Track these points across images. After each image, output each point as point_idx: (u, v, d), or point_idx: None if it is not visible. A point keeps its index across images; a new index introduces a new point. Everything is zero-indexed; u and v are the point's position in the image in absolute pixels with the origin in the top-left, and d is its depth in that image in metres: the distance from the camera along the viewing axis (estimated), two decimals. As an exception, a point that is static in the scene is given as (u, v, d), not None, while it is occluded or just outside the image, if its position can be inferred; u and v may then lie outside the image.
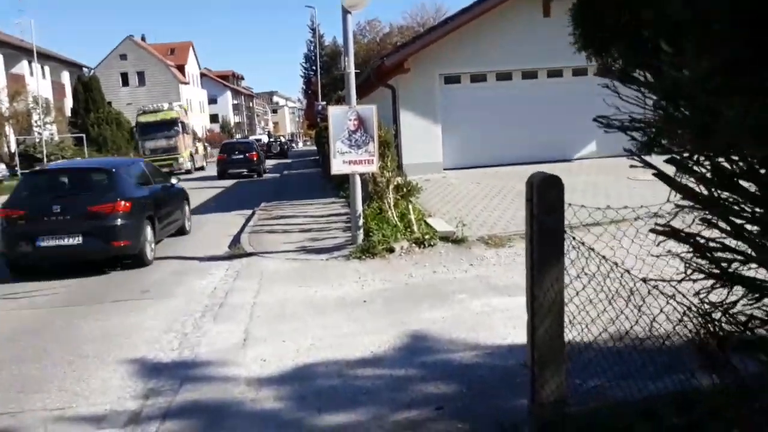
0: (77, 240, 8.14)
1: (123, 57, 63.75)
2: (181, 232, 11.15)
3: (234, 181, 25.72)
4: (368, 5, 8.82)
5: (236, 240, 10.61)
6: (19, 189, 9.07)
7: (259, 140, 44.64)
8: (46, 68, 48.50)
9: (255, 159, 28.04)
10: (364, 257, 8.23)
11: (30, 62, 44.47)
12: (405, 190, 9.20)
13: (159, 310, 6.69)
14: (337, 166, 8.96)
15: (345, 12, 8.80)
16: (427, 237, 8.56)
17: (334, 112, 8.99)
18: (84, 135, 39.29)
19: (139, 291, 7.65)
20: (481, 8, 14.09)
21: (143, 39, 69.28)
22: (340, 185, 15.56)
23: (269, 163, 36.52)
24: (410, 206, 9.20)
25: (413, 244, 8.53)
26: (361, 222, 9.07)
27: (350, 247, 8.85)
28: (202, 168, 36.61)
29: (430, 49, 14.52)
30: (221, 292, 7.22)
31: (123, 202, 8.42)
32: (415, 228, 8.95)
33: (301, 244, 9.63)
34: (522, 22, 15.13)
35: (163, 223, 9.91)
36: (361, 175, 9.35)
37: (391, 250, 8.32)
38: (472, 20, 14.24)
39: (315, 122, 31.75)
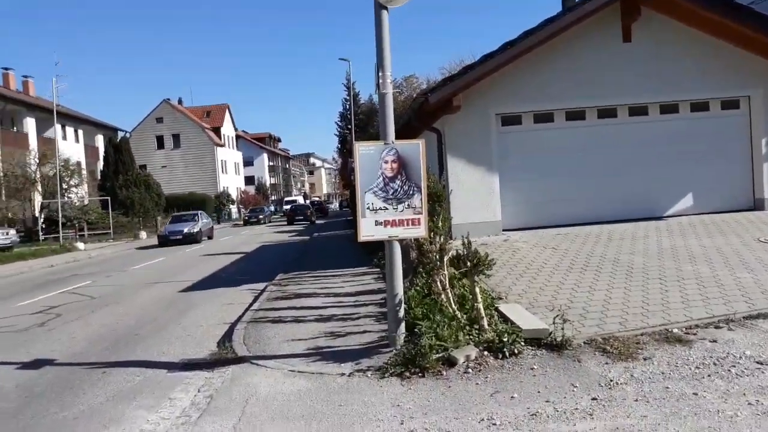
0: (303, 218, 47.94)
1: (159, 120, 63.66)
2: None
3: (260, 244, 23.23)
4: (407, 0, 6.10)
5: (230, 333, 7.68)
6: (287, 209, 56.16)
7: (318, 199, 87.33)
8: (80, 132, 47.93)
9: (323, 208, 64.75)
10: (407, 374, 5.16)
11: (64, 126, 43.85)
12: (469, 263, 6.11)
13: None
14: (368, 229, 6.03)
15: (380, 7, 6.06)
16: (506, 339, 5.46)
17: (363, 150, 6.09)
18: (109, 198, 37.87)
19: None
20: (547, 31, 11.23)
21: (180, 102, 69.43)
22: (374, 251, 12.65)
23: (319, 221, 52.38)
24: (476, 288, 6.10)
25: (485, 352, 5.44)
26: (402, 312, 6.05)
27: (386, 352, 5.81)
28: None
29: (485, 82, 11.71)
30: (168, 447, 4.24)
31: (311, 210, 51.06)
32: (485, 322, 5.87)
33: (316, 343, 6.63)
34: (597, 49, 12.29)
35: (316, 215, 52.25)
36: (401, 240, 6.40)
37: (452, 363, 5.24)
38: (537, 45, 11.41)
39: (349, 181, 31.01)
